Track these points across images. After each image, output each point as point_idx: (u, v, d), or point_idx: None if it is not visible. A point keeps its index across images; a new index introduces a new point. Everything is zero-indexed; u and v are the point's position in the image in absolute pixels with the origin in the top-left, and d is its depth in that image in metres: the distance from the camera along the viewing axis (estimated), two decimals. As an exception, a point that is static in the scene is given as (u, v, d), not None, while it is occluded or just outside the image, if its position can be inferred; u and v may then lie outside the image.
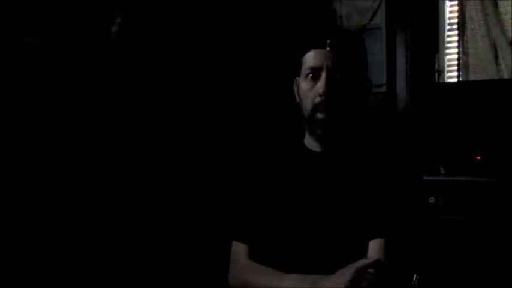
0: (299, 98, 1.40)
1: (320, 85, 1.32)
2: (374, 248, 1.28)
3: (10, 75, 1.78)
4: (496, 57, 2.76)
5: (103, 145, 2.03)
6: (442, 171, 2.57)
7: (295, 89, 1.42)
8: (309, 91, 1.35)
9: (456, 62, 2.85)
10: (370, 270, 1.18)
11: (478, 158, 2.45)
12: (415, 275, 1.43)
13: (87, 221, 1.94)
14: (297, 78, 1.41)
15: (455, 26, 2.86)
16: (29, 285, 1.76)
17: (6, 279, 1.71)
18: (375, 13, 2.87)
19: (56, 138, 1.89)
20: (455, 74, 2.85)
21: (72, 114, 1.95)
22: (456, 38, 2.85)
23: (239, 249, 1.38)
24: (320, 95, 1.31)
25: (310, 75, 1.34)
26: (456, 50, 2.85)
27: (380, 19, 2.86)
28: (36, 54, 1.84)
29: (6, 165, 1.76)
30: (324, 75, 1.32)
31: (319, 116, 1.33)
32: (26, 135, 1.81)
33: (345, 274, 1.17)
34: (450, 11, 2.90)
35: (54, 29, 1.89)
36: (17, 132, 1.79)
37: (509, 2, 2.71)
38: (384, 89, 2.82)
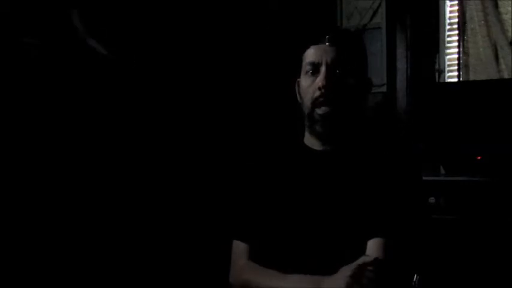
0: (300, 96, 1.41)
1: (320, 79, 1.32)
2: (372, 248, 1.28)
3: (10, 75, 1.78)
4: (496, 57, 2.76)
5: (105, 146, 2.03)
6: (442, 171, 2.57)
7: (296, 89, 1.43)
8: (309, 87, 1.35)
9: (456, 62, 2.85)
10: (369, 267, 1.19)
11: (478, 158, 2.45)
12: (415, 275, 1.43)
13: (89, 221, 1.94)
14: (298, 79, 1.41)
15: (455, 26, 2.86)
16: (29, 285, 1.77)
17: (6, 279, 1.71)
18: (374, 13, 2.87)
19: (56, 138, 1.89)
20: (455, 74, 2.85)
21: (73, 114, 1.95)
22: (456, 38, 2.85)
23: (239, 249, 1.39)
24: (320, 88, 1.32)
25: (310, 71, 1.35)
26: (456, 50, 2.85)
27: (380, 19, 2.86)
28: (36, 54, 1.84)
29: (6, 165, 1.76)
30: (323, 69, 1.32)
31: (319, 110, 1.33)
32: (26, 135, 1.81)
33: (345, 272, 1.18)
34: (450, 11, 2.90)
35: (54, 29, 1.89)
36: (16, 132, 1.79)
37: (509, 2, 2.71)
38: (384, 89, 2.82)
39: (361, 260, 1.20)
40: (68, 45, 1.94)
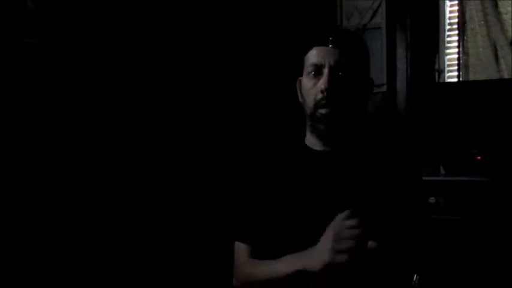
0: (301, 96, 1.41)
1: (322, 81, 1.32)
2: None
3: (10, 75, 1.78)
4: (496, 57, 2.76)
5: (105, 145, 2.03)
6: (442, 171, 2.57)
7: (298, 88, 1.43)
8: (311, 88, 1.35)
9: (456, 62, 2.85)
10: (350, 225, 1.17)
11: (478, 158, 2.45)
12: (415, 275, 1.43)
13: (90, 221, 1.94)
14: (300, 78, 1.41)
15: (455, 26, 2.86)
16: (29, 285, 1.77)
17: (6, 279, 1.71)
18: (374, 13, 2.87)
19: (56, 137, 1.89)
20: (455, 74, 2.85)
21: (72, 114, 1.95)
22: (456, 38, 2.85)
23: (241, 250, 1.39)
24: (322, 91, 1.32)
25: (313, 72, 1.35)
26: (456, 50, 2.85)
27: (380, 19, 2.86)
28: (36, 54, 1.84)
29: (6, 165, 1.76)
30: (326, 72, 1.32)
31: (321, 112, 1.33)
32: (26, 135, 1.81)
33: (327, 237, 1.18)
34: (450, 11, 2.90)
35: (54, 29, 1.89)
36: (16, 132, 1.79)
37: (509, 2, 2.71)
38: (384, 89, 2.82)
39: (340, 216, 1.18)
40: (68, 45, 1.94)
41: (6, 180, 1.75)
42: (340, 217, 1.19)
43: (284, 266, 1.26)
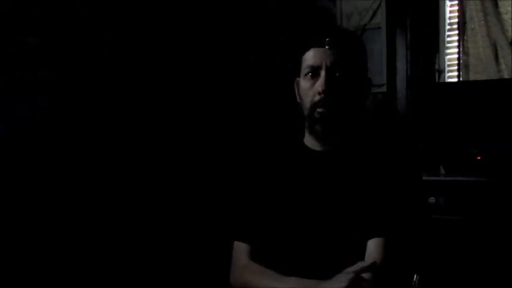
0: (299, 97, 1.41)
1: (319, 83, 1.32)
2: (372, 248, 1.28)
3: (10, 75, 1.78)
4: (496, 57, 2.76)
5: (105, 146, 2.04)
6: (442, 171, 2.57)
7: (296, 89, 1.43)
8: (308, 90, 1.35)
9: (456, 62, 2.85)
10: (366, 273, 1.19)
11: (478, 158, 2.45)
12: (415, 275, 1.43)
13: (89, 221, 1.95)
14: (297, 78, 1.41)
15: (455, 26, 2.86)
16: (29, 285, 1.77)
17: (6, 279, 1.71)
18: (374, 13, 2.87)
19: (55, 138, 1.89)
20: (455, 74, 2.85)
21: (72, 114, 1.95)
22: (456, 38, 2.85)
23: (240, 249, 1.39)
24: (319, 93, 1.32)
25: (310, 73, 1.35)
26: (456, 50, 2.85)
27: (380, 19, 2.86)
28: (36, 54, 1.84)
29: (6, 165, 1.76)
30: (323, 73, 1.32)
31: (319, 113, 1.33)
32: (25, 135, 1.81)
33: (342, 279, 1.18)
34: (450, 11, 2.90)
35: (54, 29, 1.89)
36: (16, 131, 1.79)
37: (509, 2, 2.71)
38: (383, 89, 2.82)
39: (357, 265, 1.20)
40: (68, 45, 1.94)
41: (6, 180, 1.75)
42: (362, 263, 1.21)
43: (286, 285, 1.26)
